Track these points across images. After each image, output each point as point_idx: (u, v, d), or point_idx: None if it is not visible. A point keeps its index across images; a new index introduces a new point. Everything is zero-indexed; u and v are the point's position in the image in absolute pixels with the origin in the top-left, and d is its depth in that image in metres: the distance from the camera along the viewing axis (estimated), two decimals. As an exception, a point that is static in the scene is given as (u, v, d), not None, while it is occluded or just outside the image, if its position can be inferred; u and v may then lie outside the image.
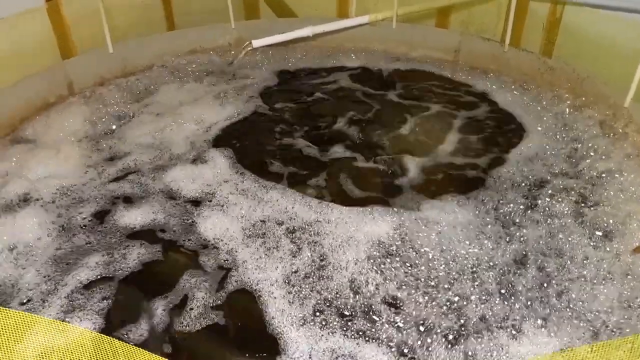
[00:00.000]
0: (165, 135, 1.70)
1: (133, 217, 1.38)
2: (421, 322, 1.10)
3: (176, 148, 1.65)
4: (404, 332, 1.08)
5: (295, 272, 1.22)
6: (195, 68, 2.07)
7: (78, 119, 1.75)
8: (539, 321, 1.10)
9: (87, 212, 1.40)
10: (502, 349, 1.05)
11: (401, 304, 1.14)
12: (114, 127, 1.75)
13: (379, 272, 1.20)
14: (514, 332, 1.08)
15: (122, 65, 2.00)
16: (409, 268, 1.21)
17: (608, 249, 1.26)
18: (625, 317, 1.11)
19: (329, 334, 1.08)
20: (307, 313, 1.12)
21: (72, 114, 1.77)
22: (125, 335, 1.08)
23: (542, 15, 2.00)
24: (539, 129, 1.70)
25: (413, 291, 1.16)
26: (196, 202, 1.43)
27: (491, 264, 1.23)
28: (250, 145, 1.67)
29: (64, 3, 1.90)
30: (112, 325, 1.10)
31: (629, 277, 1.19)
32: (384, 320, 1.11)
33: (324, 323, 1.10)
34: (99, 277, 1.20)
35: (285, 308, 1.13)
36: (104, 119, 1.78)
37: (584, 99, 1.76)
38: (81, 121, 1.75)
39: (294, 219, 1.36)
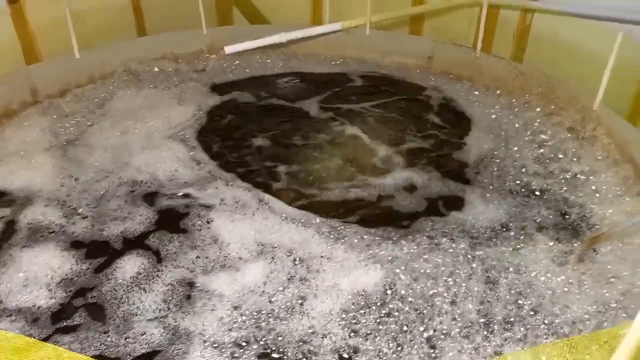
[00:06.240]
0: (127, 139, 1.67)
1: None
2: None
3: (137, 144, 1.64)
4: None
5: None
6: (165, 74, 2.02)
7: (42, 127, 1.69)
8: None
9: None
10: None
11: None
12: (79, 134, 1.69)
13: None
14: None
15: (90, 72, 1.94)
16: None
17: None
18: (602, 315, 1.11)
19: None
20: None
21: (36, 121, 1.71)
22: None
23: (512, 22, 2.03)
24: (511, 133, 1.71)
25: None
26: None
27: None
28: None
29: (28, 8, 1.85)
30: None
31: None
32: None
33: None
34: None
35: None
36: (68, 127, 1.72)
37: (553, 107, 1.78)
38: (44, 129, 1.69)
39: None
